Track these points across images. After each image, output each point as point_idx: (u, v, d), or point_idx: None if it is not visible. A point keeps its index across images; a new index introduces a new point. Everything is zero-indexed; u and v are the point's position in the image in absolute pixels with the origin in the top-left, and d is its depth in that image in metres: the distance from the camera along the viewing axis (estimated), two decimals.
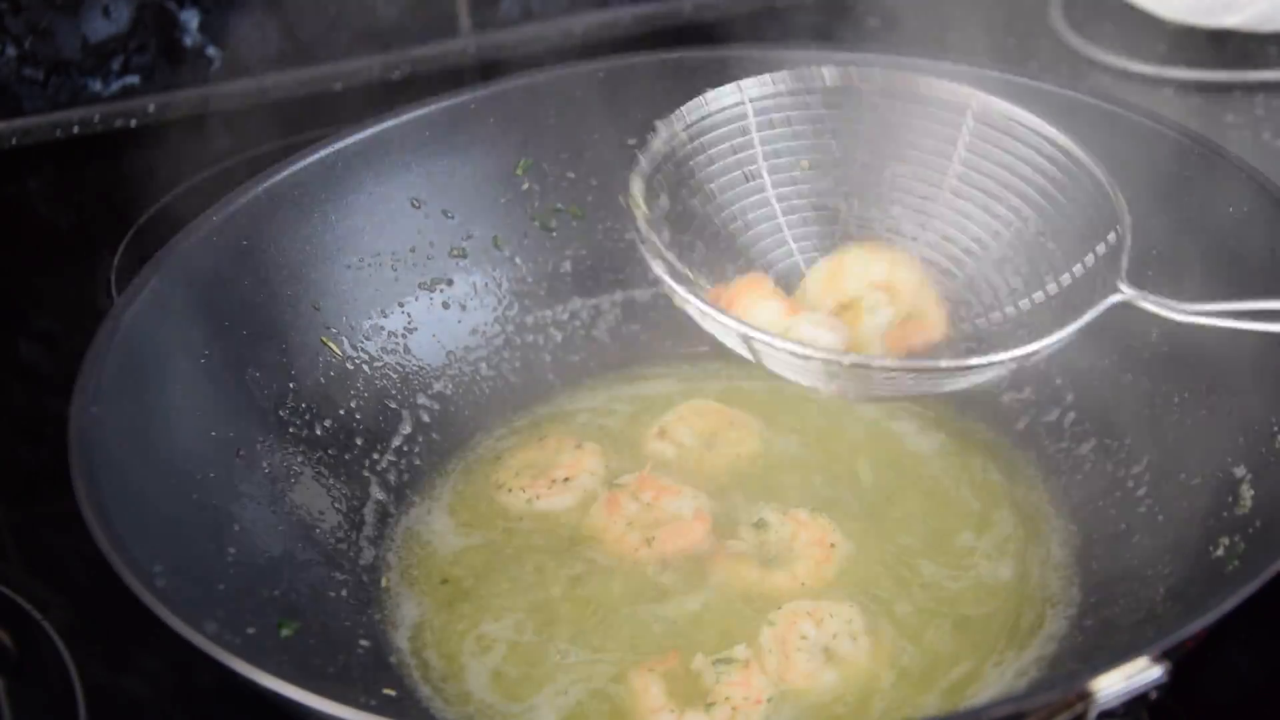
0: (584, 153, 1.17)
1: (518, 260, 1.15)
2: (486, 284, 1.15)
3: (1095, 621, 0.92)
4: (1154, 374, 1.01)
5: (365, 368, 1.08)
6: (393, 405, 1.09)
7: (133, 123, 1.51)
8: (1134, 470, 0.99)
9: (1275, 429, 0.89)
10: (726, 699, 0.89)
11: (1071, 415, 1.05)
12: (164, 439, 0.93)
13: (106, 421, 0.89)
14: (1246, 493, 0.90)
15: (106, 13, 1.47)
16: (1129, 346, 1.02)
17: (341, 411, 1.06)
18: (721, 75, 1.17)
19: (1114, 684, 0.73)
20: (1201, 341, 0.98)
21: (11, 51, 1.46)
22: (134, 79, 1.51)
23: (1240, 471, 0.91)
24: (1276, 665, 0.92)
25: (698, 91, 1.17)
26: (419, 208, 1.13)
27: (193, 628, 0.78)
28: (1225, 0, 1.45)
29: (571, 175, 1.17)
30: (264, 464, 0.99)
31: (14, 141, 1.49)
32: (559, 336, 1.16)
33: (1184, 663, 0.78)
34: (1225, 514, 0.90)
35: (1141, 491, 0.98)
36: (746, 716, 0.88)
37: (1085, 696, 0.73)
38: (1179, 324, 0.96)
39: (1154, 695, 0.74)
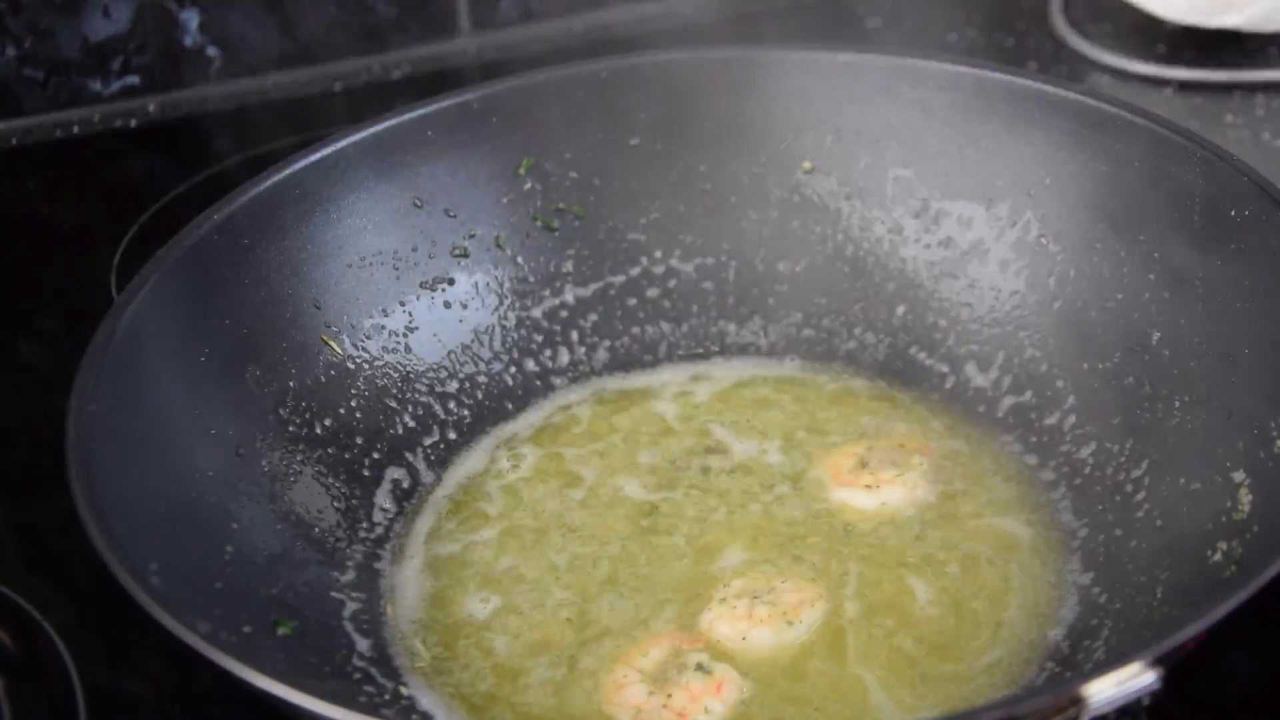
0: (586, 153, 1.17)
1: (520, 260, 1.15)
2: (488, 283, 1.15)
3: (1092, 625, 0.92)
4: (1155, 377, 1.00)
5: (366, 366, 1.08)
6: (393, 404, 1.09)
7: (133, 123, 1.51)
8: (1133, 474, 0.98)
9: (1274, 434, 0.89)
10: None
11: (1072, 419, 1.05)
12: (162, 436, 0.93)
13: (104, 418, 0.89)
14: (1245, 497, 0.89)
15: (106, 13, 1.47)
16: (1130, 350, 1.02)
17: (342, 410, 1.05)
18: (722, 77, 1.17)
19: (1106, 689, 0.72)
20: (1203, 346, 0.98)
21: (11, 51, 1.46)
22: (134, 79, 1.51)
23: (1239, 476, 0.90)
24: (1277, 665, 0.92)
25: (699, 92, 1.18)
26: (421, 207, 1.13)
27: (186, 627, 0.77)
28: (1225, 0, 1.45)
29: (574, 175, 1.17)
30: (263, 462, 0.98)
31: (14, 141, 1.49)
32: (561, 337, 1.16)
33: (1181, 666, 0.78)
34: (1224, 519, 0.89)
35: (1140, 496, 0.97)
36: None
37: (1077, 702, 0.72)
38: (1181, 328, 0.96)
39: (1147, 701, 0.73)
